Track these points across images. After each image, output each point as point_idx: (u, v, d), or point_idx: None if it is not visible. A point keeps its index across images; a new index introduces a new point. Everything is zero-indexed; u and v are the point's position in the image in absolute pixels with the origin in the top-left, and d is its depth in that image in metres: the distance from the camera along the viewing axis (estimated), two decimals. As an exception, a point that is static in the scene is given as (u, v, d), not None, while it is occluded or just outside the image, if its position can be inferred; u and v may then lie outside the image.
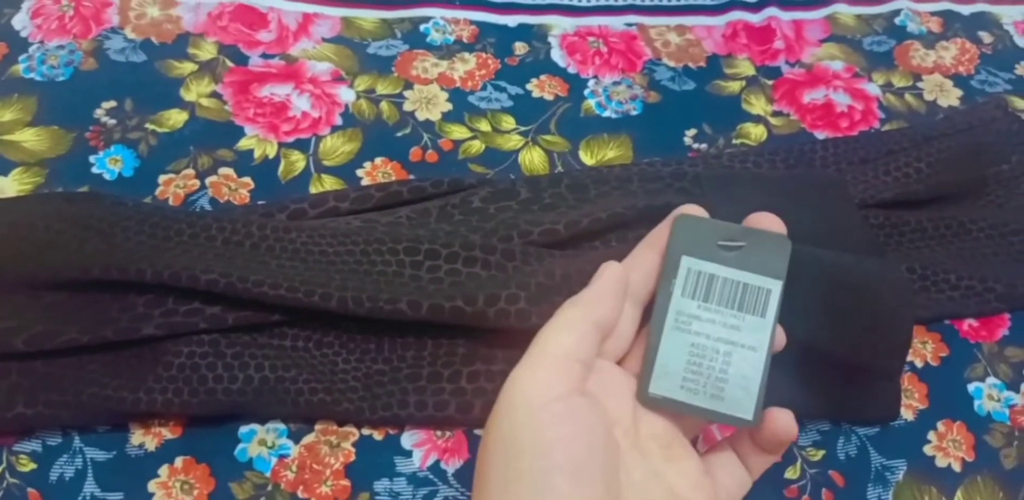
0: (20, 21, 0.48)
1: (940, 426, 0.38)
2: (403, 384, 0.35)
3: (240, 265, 0.34)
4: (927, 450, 0.37)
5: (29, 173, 0.41)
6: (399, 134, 0.46)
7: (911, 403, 0.38)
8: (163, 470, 0.33)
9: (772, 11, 0.56)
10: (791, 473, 0.35)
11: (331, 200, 0.40)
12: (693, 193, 0.41)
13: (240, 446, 0.34)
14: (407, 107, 0.47)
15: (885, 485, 0.35)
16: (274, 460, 0.34)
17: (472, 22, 0.53)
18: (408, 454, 0.34)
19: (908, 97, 0.52)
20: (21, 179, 0.41)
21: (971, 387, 0.39)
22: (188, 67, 0.47)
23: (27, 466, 0.32)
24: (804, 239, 0.39)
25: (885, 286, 0.37)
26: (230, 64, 0.48)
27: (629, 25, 0.54)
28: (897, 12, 0.57)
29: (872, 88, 0.52)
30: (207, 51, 0.48)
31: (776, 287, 0.31)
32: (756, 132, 0.49)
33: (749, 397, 0.30)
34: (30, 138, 0.42)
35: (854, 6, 0.58)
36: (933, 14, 0.58)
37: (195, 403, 0.33)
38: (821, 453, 0.36)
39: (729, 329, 0.31)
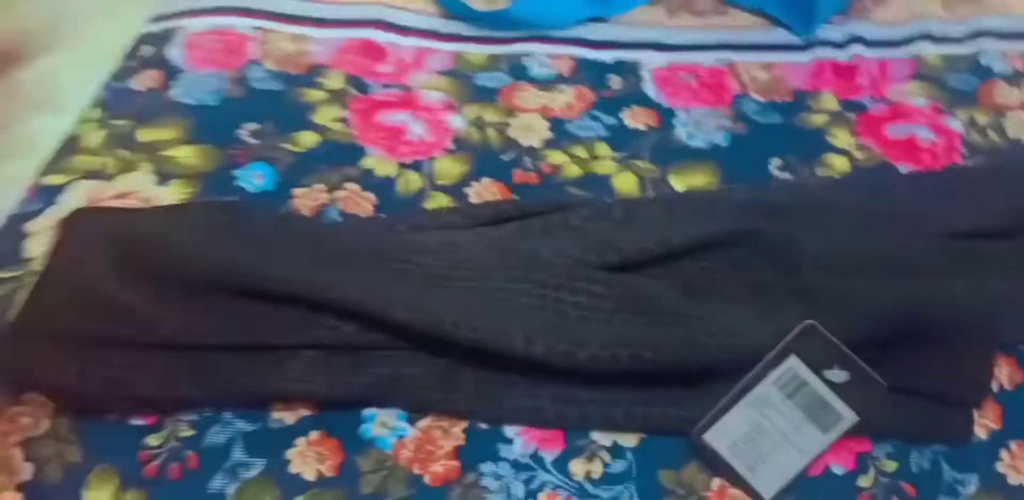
0: (174, 53, 0.55)
1: (1012, 445, 0.39)
2: (507, 388, 0.38)
3: (376, 287, 0.38)
4: (999, 467, 0.39)
5: (184, 184, 0.47)
6: (504, 158, 0.50)
7: (985, 423, 0.40)
8: (300, 441, 0.38)
9: (857, 49, 0.59)
10: (864, 481, 0.38)
11: (445, 215, 0.45)
12: (778, 219, 0.44)
13: (364, 426, 0.38)
14: (511, 134, 0.52)
15: (956, 498, 0.37)
16: (394, 440, 0.38)
17: (570, 57, 0.57)
18: (510, 442, 0.38)
19: (991, 134, 0.54)
20: (178, 189, 0.47)
21: (1045, 411, 0.41)
22: (319, 95, 0.53)
23: (187, 432, 0.37)
24: (884, 267, 0.42)
25: (965, 321, 0.39)
26: (355, 93, 0.53)
27: (719, 61, 0.58)
28: (981, 52, 0.59)
29: (955, 124, 0.54)
30: (335, 81, 0.54)
31: (850, 419, 0.35)
32: (839, 163, 0.51)
33: (777, 482, 0.35)
34: (185, 154, 0.48)
35: (939, 46, 0.60)
36: (1020, 53, 0.60)
37: (329, 393, 0.37)
38: (894, 465, 0.38)
39: (793, 428, 0.35)
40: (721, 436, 0.36)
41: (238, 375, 0.37)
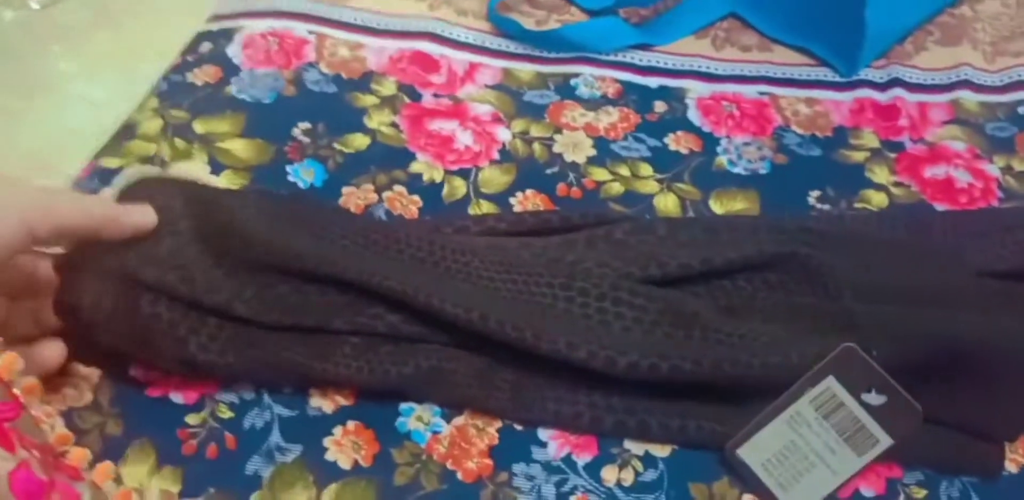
0: (233, 50, 0.56)
1: (1043, 482, 0.39)
2: (544, 392, 0.39)
3: (423, 281, 0.39)
4: (1029, 503, 0.39)
5: (237, 176, 0.48)
6: (548, 171, 0.51)
7: (1015, 458, 0.40)
8: (337, 430, 0.38)
9: (898, 92, 0.60)
10: (894, 508, 0.38)
11: (490, 221, 0.45)
12: (817, 246, 0.45)
13: (400, 419, 0.38)
14: (556, 149, 0.53)
15: (985, 530, 0.37)
16: (429, 434, 0.38)
17: (617, 80, 0.59)
18: (544, 444, 0.38)
19: (1027, 180, 0.55)
20: (230, 180, 0.48)
21: (1075, 449, 0.41)
22: (371, 100, 0.54)
23: (226, 414, 0.38)
24: (922, 300, 0.43)
25: (1005, 356, 0.39)
26: (406, 100, 0.54)
27: (761, 94, 0.59)
28: (1021, 101, 0.60)
29: (992, 169, 0.55)
30: (388, 88, 0.55)
31: (886, 442, 0.36)
32: (877, 199, 0.52)
33: None
34: (239, 147, 0.50)
35: (978, 94, 0.61)
36: (1056, 106, 0.61)
37: (370, 380, 0.37)
38: (924, 492, 0.38)
39: (827, 448, 0.36)
40: (755, 452, 0.36)
41: (283, 352, 0.37)
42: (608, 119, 0.55)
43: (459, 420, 0.39)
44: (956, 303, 0.43)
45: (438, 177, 0.50)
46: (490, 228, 0.45)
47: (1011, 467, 0.40)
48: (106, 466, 0.29)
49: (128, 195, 0.38)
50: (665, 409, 0.38)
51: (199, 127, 0.51)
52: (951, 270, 0.45)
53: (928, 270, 0.44)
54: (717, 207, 0.50)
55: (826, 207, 0.51)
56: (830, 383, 0.36)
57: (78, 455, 0.29)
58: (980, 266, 0.45)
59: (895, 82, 0.61)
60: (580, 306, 0.40)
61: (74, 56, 0.59)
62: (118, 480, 0.34)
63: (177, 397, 0.38)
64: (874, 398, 0.36)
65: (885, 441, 0.35)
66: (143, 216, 0.37)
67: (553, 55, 0.59)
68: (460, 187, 0.49)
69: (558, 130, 0.54)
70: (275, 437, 0.37)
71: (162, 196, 0.38)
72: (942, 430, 0.39)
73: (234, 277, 0.37)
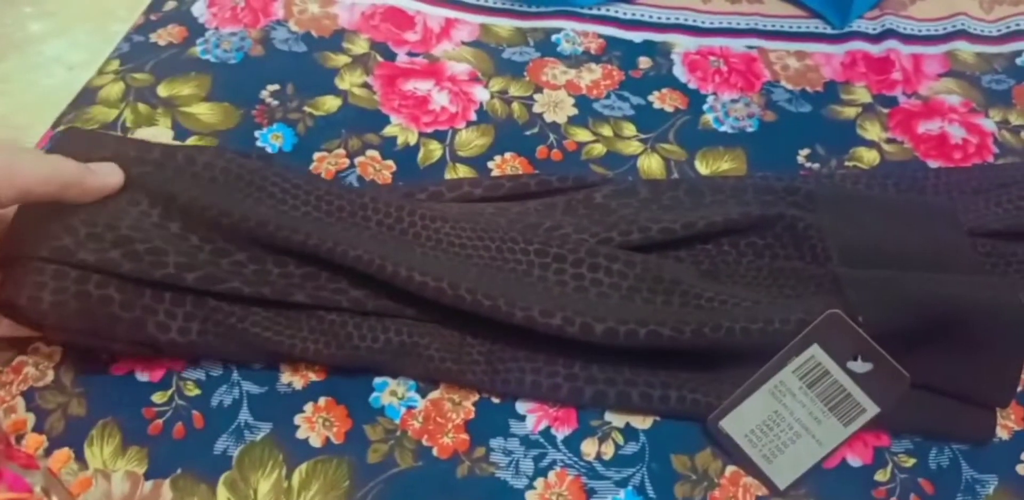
0: (198, 9, 0.54)
1: (1033, 448, 0.39)
2: (521, 363, 0.38)
3: (390, 250, 0.37)
4: (1020, 469, 0.38)
5: (203, 141, 0.46)
6: (528, 133, 0.49)
7: (1007, 423, 0.39)
8: (308, 407, 0.37)
9: (892, 44, 0.58)
10: (881, 476, 0.37)
11: (465, 186, 0.44)
12: (805, 208, 0.43)
13: (374, 394, 0.37)
14: (536, 109, 0.51)
15: (975, 497, 0.37)
16: (403, 410, 0.37)
17: (600, 36, 0.56)
18: (522, 418, 0.37)
19: None
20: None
21: (1067, 414, 0.40)
22: (342, 59, 0.52)
23: (193, 391, 0.37)
24: (912, 261, 0.41)
25: (994, 319, 0.38)
26: (380, 59, 0.52)
27: (750, 47, 0.57)
28: (1019, 52, 0.58)
29: (988, 124, 0.53)
30: (360, 46, 0.53)
31: (872, 411, 0.34)
32: (869, 156, 0.50)
33: (793, 472, 0.35)
34: (205, 111, 0.47)
35: (975, 44, 0.59)
36: (1056, 56, 0.59)
37: (340, 355, 0.36)
38: (913, 461, 0.37)
39: (812, 418, 0.34)
40: (738, 424, 0.35)
41: (248, 328, 0.35)
42: (590, 76, 0.53)
43: (435, 394, 0.38)
44: (948, 265, 0.41)
45: (412, 140, 0.48)
46: (465, 193, 0.43)
47: (1002, 433, 0.39)
48: (63, 453, 0.28)
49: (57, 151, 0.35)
50: (646, 379, 0.37)
51: (163, 90, 0.48)
52: (944, 230, 0.43)
53: (920, 231, 0.43)
54: (703, 167, 0.49)
55: (816, 166, 0.49)
56: (814, 351, 0.34)
57: (33, 442, 0.28)
58: (974, 225, 0.44)
59: (889, 33, 0.58)
60: (555, 273, 0.38)
61: (46, 17, 0.56)
62: (81, 464, 0.33)
63: (143, 375, 0.37)
64: (859, 366, 0.35)
65: (872, 409, 0.34)
66: (110, 175, 0.34)
67: (533, 9, 0.57)
68: (436, 150, 0.48)
69: (538, 89, 0.52)
70: (244, 415, 0.36)
71: (94, 153, 0.35)
72: (932, 396, 0.38)
73: (183, 245, 0.35)
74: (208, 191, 0.36)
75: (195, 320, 0.35)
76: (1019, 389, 0.40)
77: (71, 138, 0.37)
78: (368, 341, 0.37)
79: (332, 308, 0.37)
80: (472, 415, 0.37)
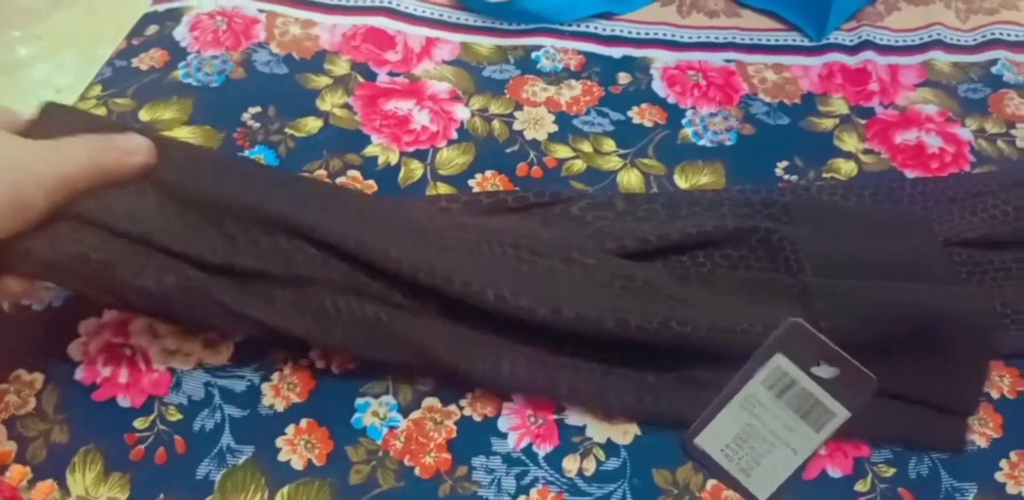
0: (180, 33, 0.54)
1: (1013, 455, 0.39)
2: (498, 350, 0.37)
3: (366, 229, 0.37)
4: (999, 477, 0.38)
5: (184, 165, 0.46)
6: (508, 150, 0.50)
7: (985, 431, 0.39)
8: (290, 429, 0.37)
9: (868, 55, 0.58)
10: (861, 486, 0.37)
11: (443, 201, 0.44)
12: (781, 220, 0.44)
13: (356, 415, 0.38)
14: (516, 126, 0.51)
15: (954, 506, 0.37)
16: (385, 430, 0.37)
17: (580, 52, 0.57)
18: (504, 436, 0.38)
19: (1000, 143, 0.53)
20: (177, 170, 0.46)
21: (1047, 421, 0.40)
22: (324, 80, 0.52)
23: (175, 416, 0.37)
24: (886, 271, 0.42)
25: (965, 327, 0.38)
26: (361, 79, 0.52)
27: (728, 61, 0.57)
28: (994, 61, 0.59)
29: (964, 133, 0.54)
30: (341, 67, 0.53)
31: (842, 415, 0.35)
32: (847, 168, 0.51)
33: (771, 484, 0.35)
34: (186, 135, 0.48)
35: (951, 54, 0.59)
36: (1031, 64, 0.59)
37: (317, 332, 0.36)
38: (893, 470, 0.38)
39: (784, 427, 0.35)
40: (713, 439, 0.35)
41: (219, 295, 0.35)
42: (570, 93, 0.54)
43: (416, 414, 0.38)
44: (923, 274, 0.42)
45: (394, 160, 0.48)
46: (443, 209, 0.43)
47: (981, 441, 0.39)
48: (46, 485, 0.28)
49: (36, 128, 0.34)
50: (622, 379, 0.37)
51: (144, 115, 0.49)
52: (918, 240, 0.44)
53: (895, 241, 0.43)
54: (682, 182, 0.49)
55: (794, 178, 0.50)
56: (780, 361, 0.35)
57: (17, 474, 0.28)
58: (949, 234, 0.44)
59: (866, 44, 0.59)
60: (529, 264, 0.38)
61: (34, 40, 0.57)
62: (63, 491, 0.33)
63: (124, 401, 0.37)
64: (825, 371, 0.35)
65: (842, 414, 0.34)
66: (143, 153, 0.34)
67: (514, 27, 0.58)
68: (417, 170, 0.48)
69: (519, 106, 0.52)
70: (226, 438, 0.36)
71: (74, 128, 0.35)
72: (903, 406, 0.38)
73: (156, 211, 0.35)
74: (195, 172, 0.36)
75: (153, 263, 0.34)
76: (997, 397, 0.40)
77: (53, 116, 0.36)
78: (344, 316, 0.36)
79: (307, 283, 0.36)
80: (454, 434, 0.37)
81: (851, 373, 0.34)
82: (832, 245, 0.42)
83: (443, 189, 0.47)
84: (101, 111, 0.49)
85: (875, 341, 0.35)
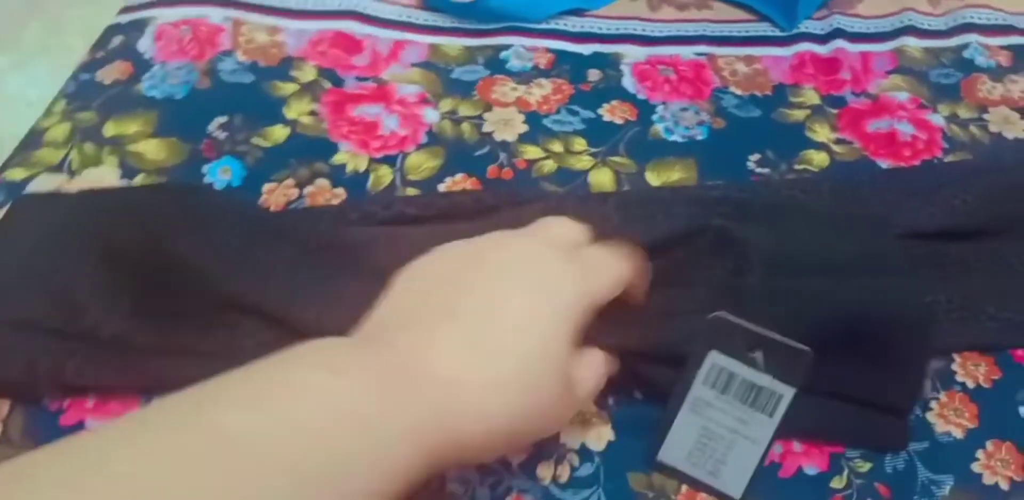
0: (144, 44, 0.54)
1: (989, 445, 0.39)
2: None
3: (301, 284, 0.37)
4: (975, 467, 0.38)
5: (150, 179, 0.46)
6: (478, 153, 0.49)
7: (960, 422, 0.39)
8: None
9: (839, 43, 0.58)
10: (837, 483, 0.37)
11: (399, 205, 0.43)
12: (734, 218, 0.43)
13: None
14: (486, 128, 0.51)
15: (931, 498, 0.37)
16: (357, 442, 0.37)
17: (549, 50, 0.56)
18: (477, 444, 0.37)
19: (973, 128, 0.53)
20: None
21: (1022, 410, 0.40)
22: (290, 88, 0.52)
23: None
24: (839, 269, 0.41)
25: (899, 324, 0.37)
26: (328, 86, 0.52)
27: (699, 54, 0.57)
28: (965, 45, 0.59)
29: (937, 119, 0.54)
30: (308, 73, 0.53)
31: (788, 393, 0.34)
32: (819, 159, 0.50)
33: (741, 479, 0.35)
34: (152, 149, 0.47)
35: (922, 39, 0.59)
36: (1003, 48, 0.59)
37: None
38: (868, 465, 0.38)
39: (738, 421, 0.34)
40: (674, 451, 0.35)
41: (168, 374, 0.34)
42: (540, 92, 0.53)
43: (389, 424, 0.38)
44: (877, 270, 0.41)
45: (362, 166, 0.48)
46: (399, 212, 0.43)
47: (956, 432, 0.39)
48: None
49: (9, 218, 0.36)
50: None
51: (109, 130, 0.48)
52: (874, 236, 0.43)
53: (849, 237, 0.42)
54: (653, 179, 0.49)
55: (767, 171, 0.50)
56: (714, 358, 0.34)
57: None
58: (909, 226, 0.43)
59: (837, 33, 0.59)
60: None
61: (4, 52, 0.57)
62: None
63: (92, 424, 0.37)
64: (759, 355, 0.34)
65: (788, 392, 0.34)
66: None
67: (482, 27, 0.57)
68: (386, 175, 0.48)
69: (488, 107, 0.52)
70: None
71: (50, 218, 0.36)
72: (843, 405, 0.37)
73: (117, 297, 0.35)
74: (144, 236, 0.36)
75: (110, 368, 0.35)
76: (972, 386, 0.40)
77: (25, 207, 0.38)
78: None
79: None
80: (427, 444, 0.37)
81: (784, 351, 0.34)
82: (782, 243, 0.41)
83: (413, 194, 0.47)
84: (65, 127, 0.48)
85: (810, 341, 0.35)
